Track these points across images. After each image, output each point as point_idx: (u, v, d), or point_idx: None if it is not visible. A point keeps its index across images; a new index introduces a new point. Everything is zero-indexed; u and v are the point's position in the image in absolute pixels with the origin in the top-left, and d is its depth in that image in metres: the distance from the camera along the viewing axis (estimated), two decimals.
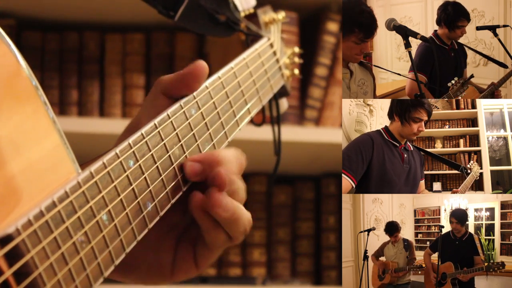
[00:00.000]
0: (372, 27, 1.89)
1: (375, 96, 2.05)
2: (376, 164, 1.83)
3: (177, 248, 0.89)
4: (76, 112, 2.51)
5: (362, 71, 1.98)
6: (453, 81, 1.99)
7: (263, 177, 2.68)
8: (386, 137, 1.91)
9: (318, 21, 2.63)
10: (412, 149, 1.95)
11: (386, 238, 2.73)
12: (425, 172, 2.72)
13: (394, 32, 1.95)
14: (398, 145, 1.90)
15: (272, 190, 2.69)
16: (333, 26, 2.61)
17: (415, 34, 1.93)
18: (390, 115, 1.96)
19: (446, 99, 2.08)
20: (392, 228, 2.68)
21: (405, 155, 1.90)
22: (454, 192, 2.20)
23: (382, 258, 2.68)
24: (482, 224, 2.85)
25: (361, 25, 1.86)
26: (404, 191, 1.92)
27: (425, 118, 1.93)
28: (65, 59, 2.54)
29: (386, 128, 1.94)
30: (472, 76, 2.03)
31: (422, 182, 2.06)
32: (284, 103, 1.26)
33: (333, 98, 2.61)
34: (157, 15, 2.76)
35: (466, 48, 2.22)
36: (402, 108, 1.94)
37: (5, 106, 0.66)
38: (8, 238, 0.60)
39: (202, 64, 0.90)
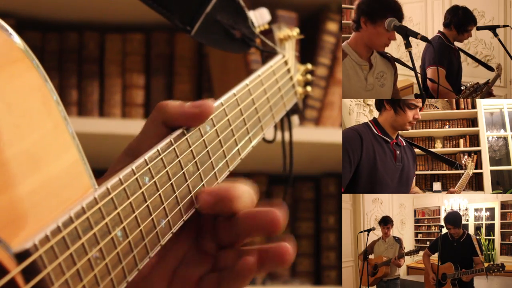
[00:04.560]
0: (401, 14, 1.87)
1: (395, 89, 2.03)
2: (366, 164, 1.66)
3: (172, 283, 0.85)
4: (76, 112, 2.51)
5: (384, 63, 1.95)
6: (468, 84, 1.98)
7: (264, 177, 2.68)
8: (375, 132, 1.72)
9: (318, 21, 2.63)
10: (404, 144, 1.78)
11: None
12: (425, 172, 2.73)
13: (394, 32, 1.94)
14: (389, 140, 1.72)
15: (286, 195, 2.68)
16: (333, 26, 2.61)
17: (415, 34, 1.93)
18: (379, 105, 1.82)
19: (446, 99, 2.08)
20: (385, 220, 2.70)
21: (398, 152, 1.72)
22: (451, 192, 2.17)
23: (371, 256, 2.70)
24: (482, 224, 2.86)
25: (393, 10, 1.84)
26: (397, 192, 1.76)
27: (420, 104, 1.80)
28: (65, 59, 2.54)
29: (375, 121, 1.76)
30: (487, 82, 2.02)
31: (413, 180, 1.91)
32: (295, 120, 1.26)
33: (333, 98, 2.61)
34: (157, 15, 2.76)
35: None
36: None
37: (27, 121, 0.66)
38: (25, 254, 0.61)
39: (209, 106, 0.87)
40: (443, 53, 2.08)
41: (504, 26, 2.33)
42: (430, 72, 2.10)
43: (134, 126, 2.53)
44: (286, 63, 1.17)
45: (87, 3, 2.49)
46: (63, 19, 2.59)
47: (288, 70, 1.17)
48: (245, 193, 0.85)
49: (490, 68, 2.20)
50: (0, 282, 0.59)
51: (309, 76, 1.26)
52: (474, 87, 1.96)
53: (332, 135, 2.50)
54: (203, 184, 0.86)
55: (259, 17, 1.17)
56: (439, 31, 2.16)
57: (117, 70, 2.56)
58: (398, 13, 1.85)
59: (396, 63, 1.96)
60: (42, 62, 2.45)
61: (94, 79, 2.54)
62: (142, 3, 1.05)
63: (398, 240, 2.67)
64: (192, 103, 0.87)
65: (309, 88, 1.25)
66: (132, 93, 2.55)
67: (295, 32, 1.24)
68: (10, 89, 0.65)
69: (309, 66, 1.27)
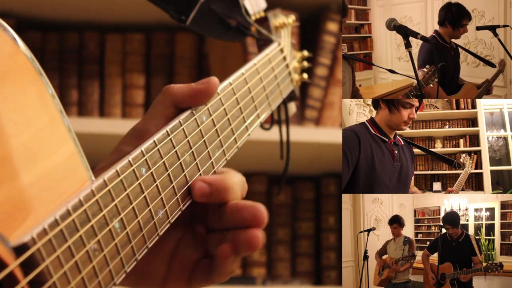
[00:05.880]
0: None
1: (354, 87, 2.05)
2: (364, 164, 1.65)
3: (171, 265, 0.89)
4: (76, 112, 2.51)
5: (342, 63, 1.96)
6: (425, 69, 1.98)
7: (264, 177, 2.68)
8: (373, 131, 1.71)
9: (318, 21, 2.63)
10: (402, 143, 1.75)
11: (386, 237, 2.73)
12: (425, 172, 2.73)
13: (394, 32, 1.95)
14: (387, 140, 1.71)
15: (280, 192, 2.69)
16: (333, 26, 2.61)
17: (415, 34, 1.93)
18: (376, 103, 1.79)
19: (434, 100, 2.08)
20: (394, 219, 2.69)
21: (396, 152, 1.70)
22: (449, 192, 2.16)
23: (385, 256, 2.69)
24: (482, 224, 2.86)
25: None
26: (396, 192, 1.75)
27: (416, 104, 1.76)
28: (65, 59, 2.54)
29: (371, 120, 1.74)
30: (443, 64, 2.02)
31: (412, 179, 1.89)
32: (292, 107, 1.27)
33: (333, 98, 2.61)
34: (157, 15, 2.76)
35: (459, 49, 2.23)
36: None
37: (23, 115, 0.66)
38: (24, 247, 0.61)
39: (215, 82, 0.90)
40: (436, 54, 2.08)
41: (504, 26, 2.33)
42: (420, 74, 2.10)
43: None
44: (282, 50, 1.17)
45: (87, 3, 2.50)
46: (63, 19, 2.59)
47: (284, 58, 1.17)
48: (236, 184, 0.88)
49: (491, 65, 2.20)
50: None
51: (305, 63, 1.26)
52: (432, 71, 1.95)
53: (332, 135, 2.50)
54: (200, 174, 0.87)
55: (255, 4, 1.17)
56: (435, 30, 2.17)
57: (117, 70, 2.56)
58: None
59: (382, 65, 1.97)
60: (42, 62, 2.46)
61: (94, 79, 2.54)
62: (142, 2, 1.05)
63: (407, 241, 2.65)
64: (197, 82, 0.90)
65: (305, 75, 1.25)
66: (132, 93, 2.55)
67: (290, 19, 1.24)
68: (5, 84, 0.65)
69: (305, 52, 1.28)
